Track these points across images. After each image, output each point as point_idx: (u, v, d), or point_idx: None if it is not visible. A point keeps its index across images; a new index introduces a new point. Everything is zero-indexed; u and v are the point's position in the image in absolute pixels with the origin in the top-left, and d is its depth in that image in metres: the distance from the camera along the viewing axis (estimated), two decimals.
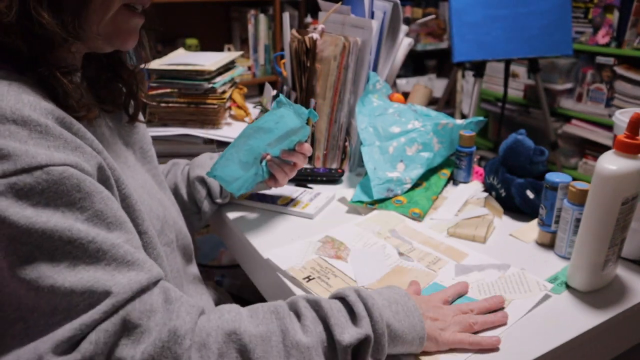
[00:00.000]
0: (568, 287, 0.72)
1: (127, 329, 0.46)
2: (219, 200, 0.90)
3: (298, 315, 0.53)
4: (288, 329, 0.51)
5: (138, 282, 0.48)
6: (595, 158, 2.54)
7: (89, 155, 0.51)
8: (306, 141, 0.86)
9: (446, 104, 3.26)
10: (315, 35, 1.04)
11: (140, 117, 0.78)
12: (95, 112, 0.59)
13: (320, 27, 1.07)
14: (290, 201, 0.96)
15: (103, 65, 0.68)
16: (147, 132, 0.78)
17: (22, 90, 0.50)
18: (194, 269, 0.82)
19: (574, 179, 0.77)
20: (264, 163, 0.89)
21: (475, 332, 0.61)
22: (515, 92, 2.81)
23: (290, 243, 0.82)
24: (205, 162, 0.89)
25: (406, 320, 0.57)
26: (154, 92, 1.21)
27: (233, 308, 0.53)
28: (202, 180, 0.88)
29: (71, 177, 0.47)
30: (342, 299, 0.56)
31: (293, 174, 0.90)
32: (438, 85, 3.20)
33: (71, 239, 0.46)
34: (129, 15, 0.59)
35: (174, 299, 0.50)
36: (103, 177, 0.53)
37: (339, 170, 1.07)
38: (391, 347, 0.56)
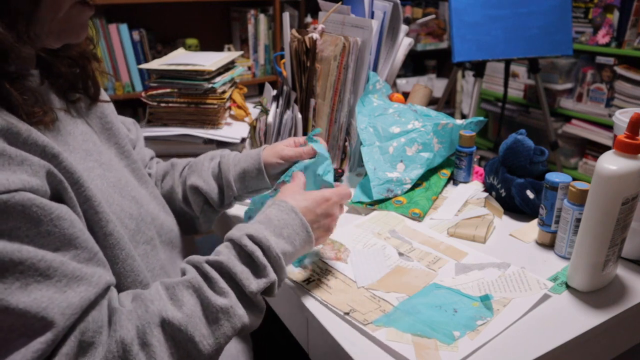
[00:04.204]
0: (568, 287, 0.72)
1: (83, 348, 0.49)
2: (219, 209, 0.87)
3: (209, 280, 0.57)
4: (208, 297, 0.55)
5: (88, 299, 0.50)
6: (595, 158, 2.55)
7: (37, 166, 0.50)
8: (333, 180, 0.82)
9: (446, 104, 3.27)
10: (315, 35, 1.03)
11: (106, 96, 0.76)
12: (52, 116, 0.58)
13: (320, 27, 1.06)
14: None
15: (53, 54, 0.65)
16: (121, 128, 0.76)
17: None
18: None
19: (574, 179, 0.77)
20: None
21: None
22: (515, 92, 2.81)
23: None
24: (202, 167, 0.85)
25: (297, 238, 0.65)
26: (154, 92, 1.21)
27: (154, 296, 0.55)
28: (197, 190, 0.84)
29: (16, 205, 0.46)
30: (238, 246, 0.60)
31: None
32: (438, 85, 3.20)
33: (21, 259, 0.46)
34: (81, 10, 0.58)
35: (115, 308, 0.53)
36: (54, 182, 0.52)
37: (339, 171, 1.07)
38: (289, 263, 0.65)
